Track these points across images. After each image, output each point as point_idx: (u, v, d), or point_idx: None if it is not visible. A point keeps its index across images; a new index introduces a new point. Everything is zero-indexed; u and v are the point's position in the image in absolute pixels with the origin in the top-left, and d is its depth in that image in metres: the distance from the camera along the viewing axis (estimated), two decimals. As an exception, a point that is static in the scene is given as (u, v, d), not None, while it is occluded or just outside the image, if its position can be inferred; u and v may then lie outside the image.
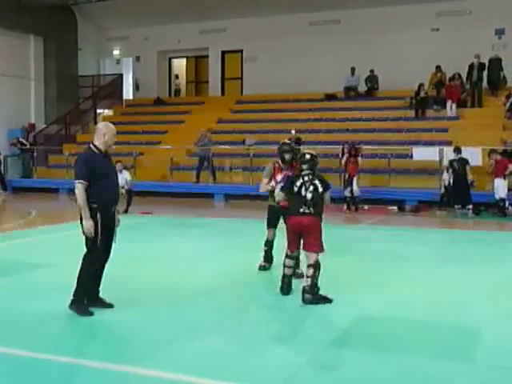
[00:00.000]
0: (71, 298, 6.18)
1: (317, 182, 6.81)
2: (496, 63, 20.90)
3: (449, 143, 18.31)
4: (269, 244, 8.41)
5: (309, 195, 6.75)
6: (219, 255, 9.67)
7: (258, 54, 26.05)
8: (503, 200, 15.27)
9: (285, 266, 6.97)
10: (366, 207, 16.75)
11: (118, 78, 28.02)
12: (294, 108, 23.53)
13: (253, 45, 25.99)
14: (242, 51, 26.88)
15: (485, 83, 21.16)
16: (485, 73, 20.95)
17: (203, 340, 5.43)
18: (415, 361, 4.91)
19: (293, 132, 19.51)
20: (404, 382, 4.55)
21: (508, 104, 19.10)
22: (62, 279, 7.26)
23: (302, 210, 6.74)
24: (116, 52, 29.19)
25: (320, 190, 6.78)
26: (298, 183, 6.84)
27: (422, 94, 21.16)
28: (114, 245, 6.32)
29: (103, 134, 6.31)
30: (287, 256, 6.97)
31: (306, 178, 6.83)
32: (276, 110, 23.69)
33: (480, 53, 20.74)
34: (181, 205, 18.07)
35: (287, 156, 8.19)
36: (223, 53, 27.53)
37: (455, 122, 20.43)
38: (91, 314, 6.11)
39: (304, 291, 6.56)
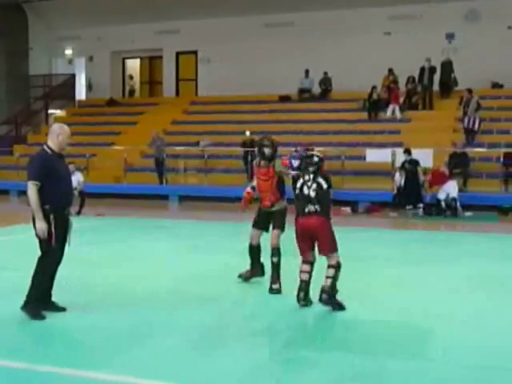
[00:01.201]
0: (24, 299, 6.08)
1: (320, 179, 6.53)
2: (448, 66, 21.37)
3: (401, 145, 18.61)
4: (253, 249, 7.55)
5: (312, 193, 6.46)
6: (176, 257, 9.61)
7: (213, 55, 26.02)
8: (454, 199, 15.62)
9: (300, 271, 6.59)
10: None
11: (71, 78, 27.64)
12: (248, 109, 23.59)
13: (207, 46, 25.96)
14: (196, 52, 26.83)
15: (436, 86, 21.62)
16: (436, 76, 21.40)
17: (158, 342, 5.38)
18: (376, 360, 4.96)
19: (247, 133, 19.58)
20: (365, 381, 4.60)
21: (461, 107, 19.51)
22: (13, 282, 7.12)
23: (307, 210, 6.46)
24: (68, 52, 28.75)
25: (324, 186, 6.50)
26: (299, 184, 6.59)
27: (375, 96, 21.45)
28: (67, 247, 6.23)
29: (57, 135, 6.22)
30: (303, 261, 6.62)
31: (306, 177, 6.56)
32: (230, 111, 23.72)
33: (431, 56, 21.17)
34: (135, 206, 17.90)
35: (267, 150, 7.26)
36: (177, 54, 27.42)
37: (407, 125, 20.78)
38: (43, 317, 6.02)
39: (322, 291, 6.33)
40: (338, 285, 6.43)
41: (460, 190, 16.12)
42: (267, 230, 7.47)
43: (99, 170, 21.57)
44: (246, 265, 8.60)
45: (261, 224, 7.46)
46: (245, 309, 6.67)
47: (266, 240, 7.42)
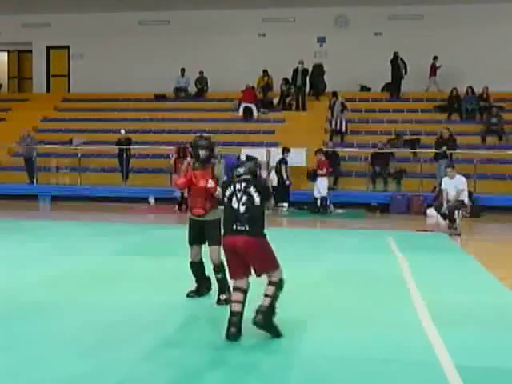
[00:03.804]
0: None
1: (251, 190, 5.37)
2: (318, 69, 22.09)
3: (275, 145, 19.05)
4: (195, 266, 6.77)
5: (242, 208, 5.35)
6: (39, 260, 9.09)
7: (86, 51, 25.38)
8: (325, 198, 16.19)
9: (231, 300, 5.51)
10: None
11: None
12: (123, 107, 23.21)
13: (80, 41, 25.28)
14: (68, 47, 26.03)
15: (308, 88, 22.29)
16: (308, 78, 22.04)
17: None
18: (245, 355, 5.04)
19: (122, 132, 19.26)
20: (233, 375, 4.67)
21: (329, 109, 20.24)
22: None
23: (234, 227, 5.37)
24: None
25: (256, 200, 5.36)
26: (228, 192, 5.45)
27: (251, 96, 21.78)
28: None
29: None
30: (235, 288, 5.50)
31: (238, 186, 5.41)
32: (105, 109, 23.22)
33: (304, 59, 21.78)
34: (4, 207, 17.04)
35: (202, 152, 6.44)
36: (48, 48, 26.47)
37: (281, 125, 21.27)
38: None
39: (258, 311, 5.29)
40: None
41: (330, 189, 16.75)
42: (204, 241, 6.65)
43: (-37, 168, 20.41)
44: (114, 265, 8.48)
45: (196, 238, 6.64)
46: (97, 309, 6.46)
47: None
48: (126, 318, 6.03)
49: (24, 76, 27.82)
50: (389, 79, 22.08)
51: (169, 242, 10.77)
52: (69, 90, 26.01)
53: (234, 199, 5.39)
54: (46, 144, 20.29)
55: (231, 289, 5.69)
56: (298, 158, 17.45)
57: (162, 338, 5.43)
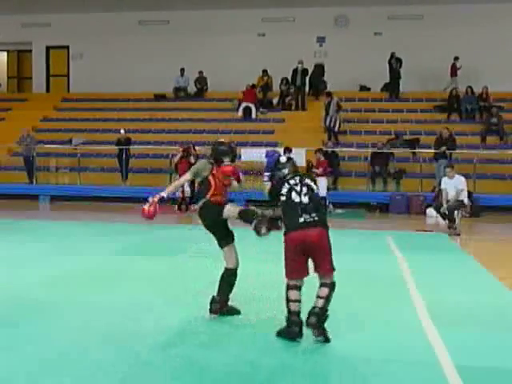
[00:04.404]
0: None
1: (308, 180, 5.42)
2: (319, 69, 22.11)
3: (275, 144, 19.04)
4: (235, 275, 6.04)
5: (305, 199, 5.29)
6: (37, 260, 9.07)
7: (86, 51, 25.40)
8: (324, 198, 16.18)
9: (290, 300, 5.27)
10: (195, 207, 16.89)
11: None
12: (123, 107, 23.22)
13: (80, 41, 25.30)
14: (68, 47, 26.04)
15: (308, 88, 22.29)
16: (308, 78, 22.05)
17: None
18: (245, 355, 5.04)
19: (122, 132, 19.27)
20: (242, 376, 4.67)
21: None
22: None
23: (302, 220, 5.22)
24: None
25: (315, 187, 5.41)
26: (285, 189, 5.38)
27: (250, 96, 21.78)
28: None
29: None
30: (292, 287, 5.29)
31: (292, 182, 5.39)
32: (104, 108, 23.23)
33: (303, 59, 21.78)
34: (3, 207, 17.05)
35: (227, 159, 6.35)
36: (48, 48, 26.47)
37: (281, 125, 21.27)
38: None
39: (312, 313, 5.19)
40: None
41: (329, 189, 16.75)
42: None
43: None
44: (114, 265, 8.46)
45: (230, 234, 6.21)
46: (88, 311, 6.46)
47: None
48: (126, 318, 6.02)
49: (24, 76, 27.82)
50: (388, 79, 22.09)
51: (169, 241, 10.79)
52: (68, 90, 26.03)
53: (294, 193, 5.34)
54: (45, 144, 20.31)
55: (288, 290, 5.31)
56: (298, 157, 17.42)
57: (163, 338, 5.42)
